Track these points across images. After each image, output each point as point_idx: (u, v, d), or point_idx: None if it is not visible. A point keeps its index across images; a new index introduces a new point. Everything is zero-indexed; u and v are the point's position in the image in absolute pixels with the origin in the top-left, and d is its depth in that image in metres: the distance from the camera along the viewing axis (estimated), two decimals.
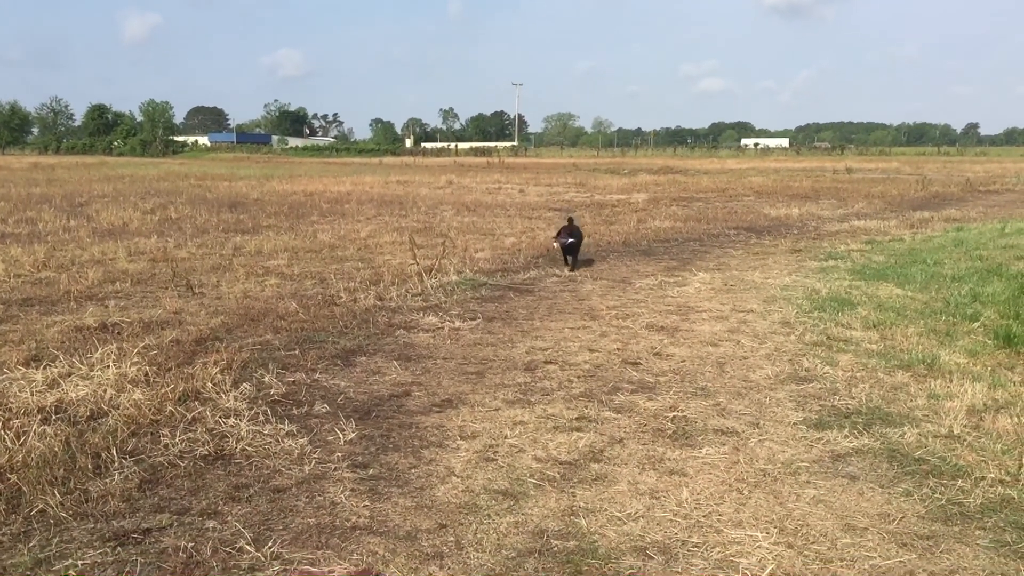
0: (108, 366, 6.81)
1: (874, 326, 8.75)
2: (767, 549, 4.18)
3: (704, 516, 4.56)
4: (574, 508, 4.63)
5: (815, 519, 4.51)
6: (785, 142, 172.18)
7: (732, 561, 4.08)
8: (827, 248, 15.59)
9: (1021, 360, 7.46)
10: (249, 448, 5.40)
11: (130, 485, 4.80)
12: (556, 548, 4.19)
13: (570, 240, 12.51)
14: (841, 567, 4.01)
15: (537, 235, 16.99)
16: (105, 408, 6.00)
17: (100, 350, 7.25)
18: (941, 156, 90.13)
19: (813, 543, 4.25)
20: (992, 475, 4.98)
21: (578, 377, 7.09)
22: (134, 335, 8.14)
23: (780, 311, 9.71)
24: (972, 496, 4.73)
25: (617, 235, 17.22)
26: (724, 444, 5.60)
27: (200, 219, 19.43)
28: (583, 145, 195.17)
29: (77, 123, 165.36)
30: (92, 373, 6.71)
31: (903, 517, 4.51)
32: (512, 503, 4.70)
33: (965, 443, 5.52)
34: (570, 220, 13.24)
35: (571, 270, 12.63)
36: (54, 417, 5.77)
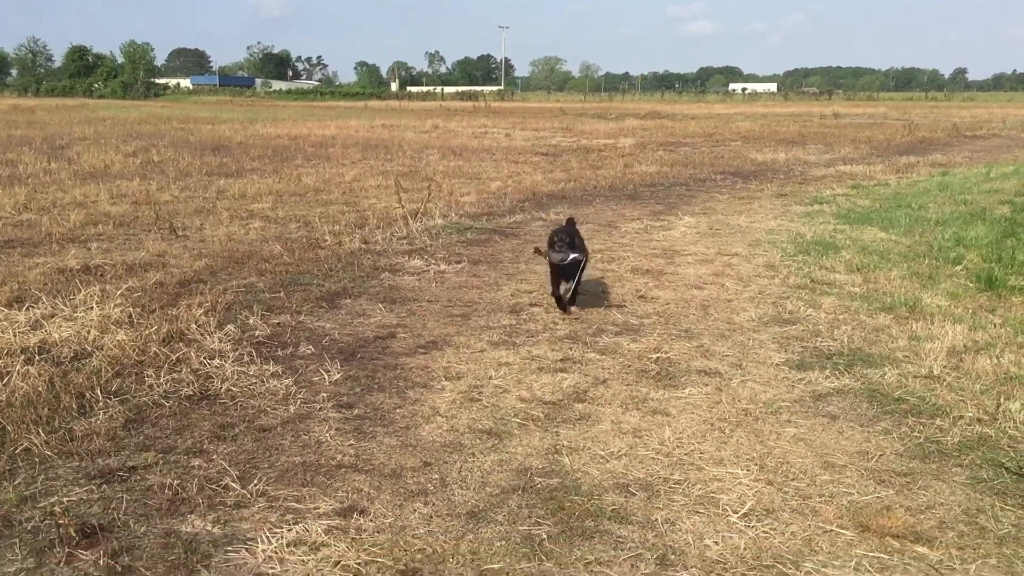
0: (91, 307, 6.78)
1: (858, 269, 8.79)
2: (747, 486, 4.24)
3: (686, 454, 4.61)
4: (558, 447, 4.67)
5: (795, 457, 4.57)
6: (773, 87, 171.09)
7: (713, 498, 4.13)
8: (813, 192, 15.59)
9: (1002, 303, 7.53)
10: (234, 388, 5.41)
11: (115, 424, 4.81)
12: (539, 485, 4.23)
13: (572, 256, 6.89)
14: (820, 503, 4.08)
15: (523, 179, 16.91)
16: (89, 349, 5.98)
17: (83, 292, 7.22)
18: (928, 101, 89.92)
19: (793, 480, 4.31)
20: (970, 414, 5.05)
21: (563, 319, 7.11)
22: (117, 277, 8.10)
23: (765, 254, 9.73)
24: (950, 435, 4.79)
25: (603, 180, 17.16)
26: (707, 385, 5.65)
27: (183, 162, 19.22)
28: (570, 90, 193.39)
29: (57, 65, 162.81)
30: (75, 314, 6.68)
31: (881, 455, 4.58)
32: (496, 442, 4.73)
33: (944, 383, 5.58)
34: (570, 221, 7.92)
35: (569, 305, 7.27)
36: (37, 358, 5.75)
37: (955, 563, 3.56)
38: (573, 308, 7.28)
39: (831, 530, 3.83)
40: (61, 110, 52.81)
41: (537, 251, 7.27)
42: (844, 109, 59.80)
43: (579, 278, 7.17)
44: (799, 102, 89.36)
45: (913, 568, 3.53)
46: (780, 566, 3.54)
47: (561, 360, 6.07)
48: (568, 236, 7.02)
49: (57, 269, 8.43)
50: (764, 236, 10.95)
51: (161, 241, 10.04)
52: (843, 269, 8.85)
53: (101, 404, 5.05)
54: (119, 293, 7.26)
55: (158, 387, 5.37)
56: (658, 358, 6.14)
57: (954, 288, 7.98)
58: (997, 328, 6.74)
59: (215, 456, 4.46)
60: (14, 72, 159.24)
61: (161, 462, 4.38)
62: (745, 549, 3.68)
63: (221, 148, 23.56)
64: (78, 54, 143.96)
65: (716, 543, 3.73)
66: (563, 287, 7.16)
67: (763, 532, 3.81)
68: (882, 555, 3.62)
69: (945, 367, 5.85)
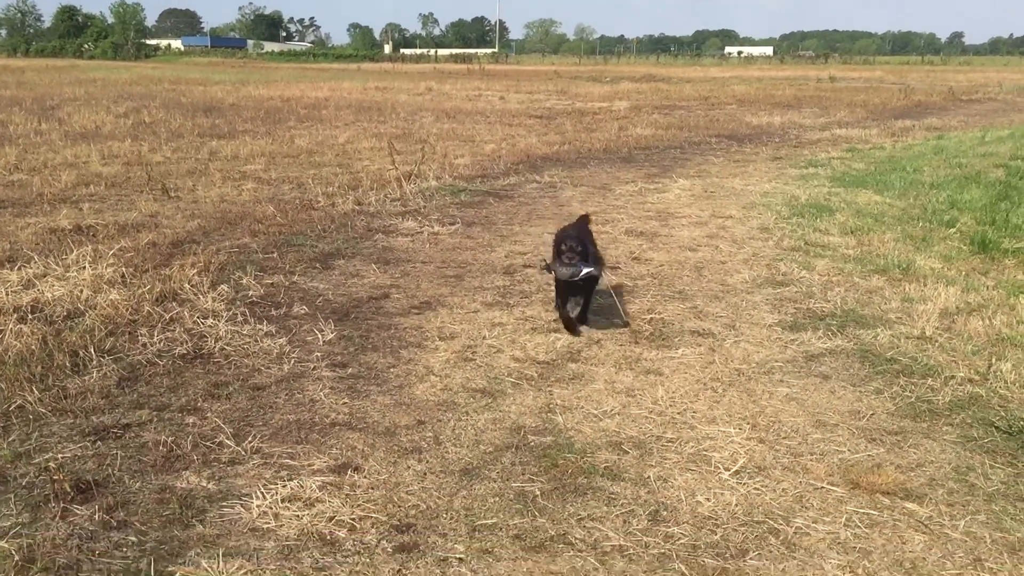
0: (84, 267, 6.75)
1: (852, 232, 8.79)
2: (739, 444, 4.27)
3: (679, 413, 4.63)
4: (551, 406, 4.69)
5: (787, 416, 4.59)
6: (769, 51, 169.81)
7: (705, 456, 4.16)
8: (808, 156, 15.54)
9: (995, 265, 7.54)
10: (228, 348, 5.41)
11: (108, 382, 4.81)
12: (533, 443, 4.25)
13: (584, 271, 5.67)
14: (811, 461, 4.11)
15: (517, 142, 16.83)
16: (81, 308, 5.97)
17: (75, 252, 7.19)
18: (925, 65, 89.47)
19: (784, 438, 4.34)
20: (962, 374, 5.08)
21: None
22: (109, 237, 8.07)
23: (759, 217, 9.72)
24: (941, 394, 4.82)
25: (598, 143, 17.08)
26: (700, 345, 5.66)
27: (175, 123, 19.08)
28: (565, 52, 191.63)
29: (46, 25, 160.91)
30: (68, 274, 6.66)
31: (873, 414, 4.61)
32: (490, 401, 4.75)
33: (936, 344, 5.61)
34: (583, 220, 6.55)
35: (579, 325, 5.97)
36: (30, 316, 5.74)
37: (944, 519, 3.60)
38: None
39: (822, 487, 3.86)
40: (51, 71, 52.25)
41: (546, 267, 6.00)
42: (840, 73, 59.46)
43: (590, 295, 6.01)
44: (795, 66, 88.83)
45: (902, 524, 3.57)
46: (771, 522, 3.57)
47: (555, 320, 6.07)
48: (579, 243, 5.73)
49: (49, 229, 8.39)
50: (758, 199, 10.93)
51: (153, 202, 9.98)
52: (837, 232, 8.84)
53: (95, 362, 5.04)
54: (111, 253, 7.23)
55: (152, 346, 5.37)
56: (651, 319, 6.15)
57: (947, 251, 7.99)
58: (989, 290, 6.76)
59: (209, 414, 4.47)
60: (3, 32, 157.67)
61: (155, 419, 4.39)
62: (736, 505, 3.71)
63: (213, 110, 23.37)
64: (67, 14, 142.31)
65: (708, 499, 3.75)
66: (571, 303, 6.00)
67: (754, 489, 3.84)
68: (872, 511, 3.65)
69: (937, 328, 5.87)
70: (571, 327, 5.89)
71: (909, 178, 12.18)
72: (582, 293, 5.94)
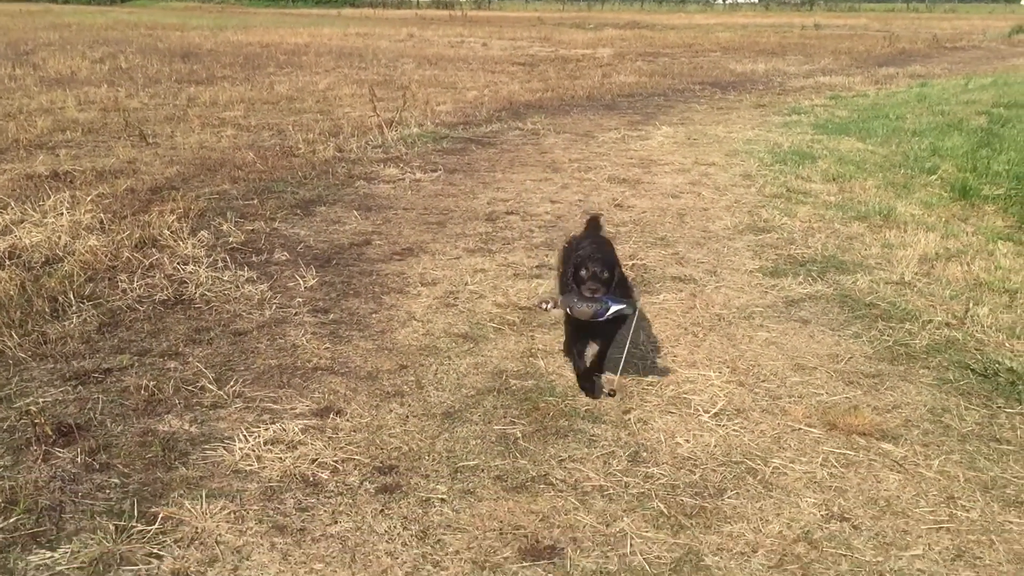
0: (61, 213, 6.68)
1: (833, 179, 8.80)
2: (719, 387, 4.31)
3: (659, 357, 4.66)
4: (532, 350, 4.71)
5: (766, 359, 4.63)
6: None
7: (685, 398, 4.20)
8: (791, 103, 15.48)
9: (975, 211, 7.58)
10: (209, 293, 5.39)
11: (89, 328, 4.79)
12: (514, 387, 4.28)
13: (613, 309, 4.00)
14: (789, 403, 4.15)
15: (500, 89, 16.67)
16: (60, 254, 5.92)
17: (52, 198, 7.10)
18: (910, 12, 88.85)
19: (763, 381, 4.38)
20: (939, 318, 5.13)
21: (539, 227, 7.10)
22: (87, 183, 7.97)
23: (741, 164, 9.71)
24: (919, 338, 4.87)
25: (581, 90, 16.93)
26: (681, 291, 5.69)
27: (152, 69, 18.75)
28: None
29: None
30: (45, 220, 6.58)
31: (851, 357, 4.66)
32: (472, 345, 4.76)
33: (915, 289, 5.65)
34: (594, 225, 5.17)
35: (596, 374, 4.34)
36: (8, 262, 5.69)
37: (919, 459, 3.66)
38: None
39: (799, 428, 3.91)
40: (24, 15, 51.11)
41: (550, 304, 4.65)
42: (825, 20, 58.99)
43: (610, 339, 4.41)
44: (780, 13, 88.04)
45: (878, 464, 3.62)
46: (749, 462, 3.62)
47: (537, 266, 6.08)
48: (605, 266, 4.12)
49: (25, 175, 8.27)
50: (741, 146, 10.90)
51: (131, 148, 9.85)
52: (819, 178, 8.85)
53: (74, 308, 5.02)
54: (89, 199, 7.16)
55: (131, 292, 5.34)
56: (634, 264, 6.16)
57: (928, 197, 8.02)
58: (969, 236, 6.80)
59: (191, 359, 4.47)
60: None
61: (136, 364, 4.38)
62: (715, 446, 3.76)
63: (191, 55, 22.98)
64: None
65: (687, 441, 3.80)
66: (585, 347, 4.43)
67: (733, 431, 3.89)
68: (848, 452, 3.71)
69: (916, 274, 5.92)
70: (587, 385, 4.23)
71: (892, 125, 12.17)
72: (603, 336, 4.37)
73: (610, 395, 4.20)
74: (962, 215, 7.47)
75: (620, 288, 4.15)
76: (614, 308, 3.97)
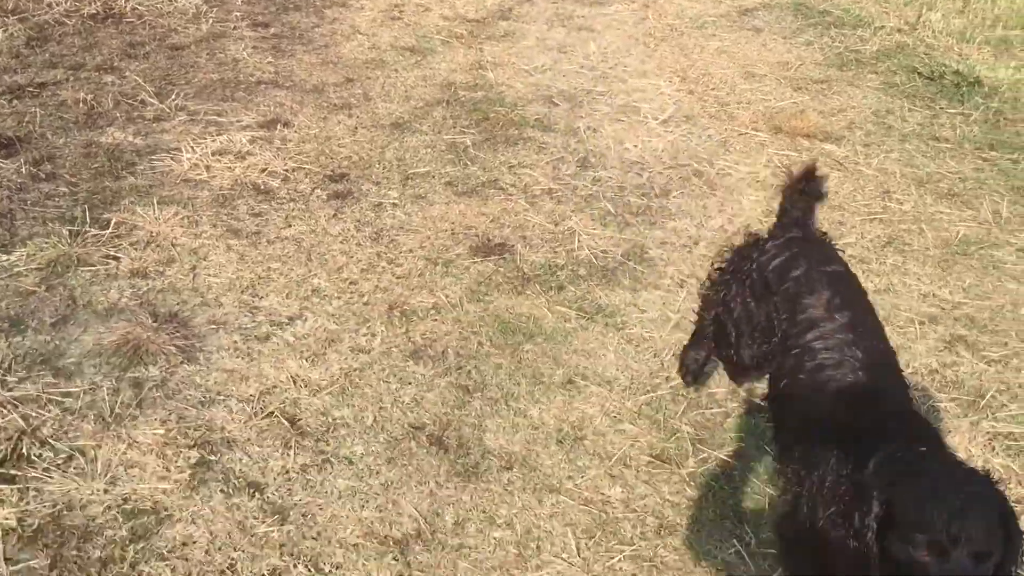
0: None
1: None
2: (669, 96, 4.31)
3: (610, 68, 4.61)
4: (482, 62, 4.62)
5: (717, 68, 4.60)
6: None
7: (634, 107, 4.20)
8: None
9: None
10: (140, 7, 5.10)
11: (16, 42, 4.55)
12: (464, 98, 4.23)
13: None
14: (737, 109, 4.18)
15: None
16: None
17: None
18: None
19: (713, 89, 4.38)
20: (891, 24, 5.09)
21: None
22: None
23: None
24: (869, 44, 4.85)
25: None
26: (634, 2, 5.52)
27: None
28: None
29: None
30: None
31: (801, 64, 4.64)
32: (419, 59, 4.65)
33: None
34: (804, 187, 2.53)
35: None
36: None
37: (859, 158, 3.76)
38: None
39: (746, 132, 3.96)
40: None
41: None
42: None
43: None
44: None
45: (820, 163, 3.71)
46: (695, 164, 3.70)
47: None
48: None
49: None
50: None
51: None
52: None
53: None
54: None
55: (57, 5, 5.02)
56: None
57: None
58: None
59: (128, 73, 4.31)
60: None
61: (72, 79, 4.22)
62: (663, 151, 3.81)
63: None
64: None
65: (635, 146, 3.85)
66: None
67: (681, 136, 3.94)
68: (791, 152, 3.79)
69: None
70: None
71: None
72: None
73: None
74: None
75: None
76: None
